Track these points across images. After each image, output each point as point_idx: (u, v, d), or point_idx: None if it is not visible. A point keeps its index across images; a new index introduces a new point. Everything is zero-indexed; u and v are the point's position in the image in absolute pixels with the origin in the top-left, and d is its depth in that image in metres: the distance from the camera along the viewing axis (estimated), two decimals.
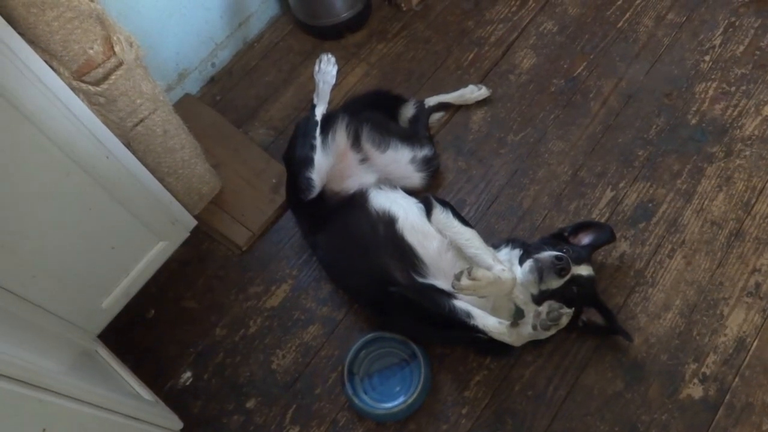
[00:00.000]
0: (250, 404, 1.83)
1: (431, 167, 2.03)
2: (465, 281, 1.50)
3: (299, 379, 1.85)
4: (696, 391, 1.70)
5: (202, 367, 1.90)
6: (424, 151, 2.01)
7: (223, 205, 2.09)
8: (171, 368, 1.90)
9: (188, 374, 1.89)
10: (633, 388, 1.72)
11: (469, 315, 1.58)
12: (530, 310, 1.58)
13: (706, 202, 1.96)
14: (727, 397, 1.68)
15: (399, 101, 2.19)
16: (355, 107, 2.08)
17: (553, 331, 1.50)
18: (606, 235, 1.82)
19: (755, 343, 1.74)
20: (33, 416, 1.12)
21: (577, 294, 1.62)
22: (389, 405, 1.73)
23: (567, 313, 1.47)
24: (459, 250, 1.72)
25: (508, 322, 1.57)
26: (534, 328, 1.50)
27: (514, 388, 1.76)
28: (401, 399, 1.73)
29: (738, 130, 2.07)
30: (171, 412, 1.70)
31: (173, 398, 1.82)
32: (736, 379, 1.70)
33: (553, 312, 1.46)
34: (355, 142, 1.92)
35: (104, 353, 1.68)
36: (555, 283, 1.58)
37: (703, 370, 1.72)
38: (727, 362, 1.72)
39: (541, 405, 1.73)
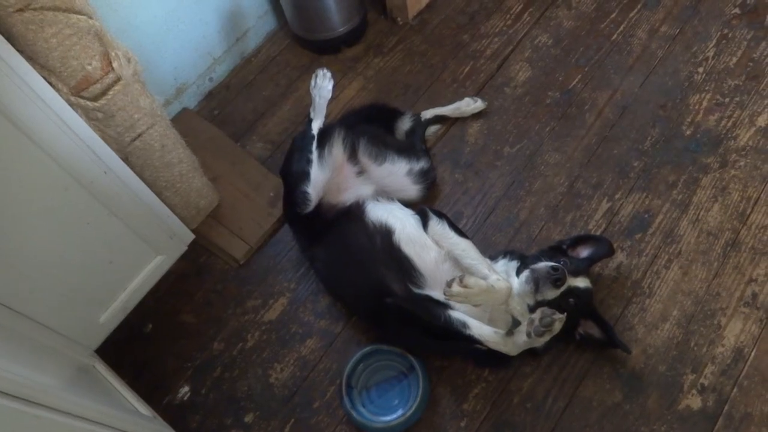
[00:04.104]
0: (249, 419, 1.82)
1: (428, 179, 2.04)
2: (456, 288, 1.51)
3: (297, 393, 1.84)
4: (695, 401, 1.70)
5: (200, 381, 1.89)
6: (421, 164, 2.02)
7: (221, 219, 2.09)
8: (169, 383, 1.89)
9: (186, 389, 1.88)
10: (632, 400, 1.72)
11: (465, 325, 1.58)
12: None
13: (701, 213, 1.97)
14: (726, 407, 1.68)
15: (395, 114, 2.21)
16: (351, 121, 2.09)
17: (547, 338, 1.51)
18: (604, 248, 1.83)
19: (753, 354, 1.74)
20: None
21: (574, 306, 1.62)
22: (388, 418, 1.72)
23: (560, 318, 1.47)
24: (456, 261, 1.72)
25: (503, 332, 1.57)
26: (528, 335, 1.51)
27: (512, 401, 1.76)
28: (400, 412, 1.72)
29: (732, 141, 2.09)
30: (169, 427, 1.69)
31: (171, 413, 1.82)
32: (735, 390, 1.70)
33: (546, 318, 1.47)
34: (352, 156, 1.93)
35: (102, 368, 1.68)
36: (551, 293, 1.58)
37: (701, 380, 1.72)
38: (726, 373, 1.72)
39: (540, 417, 1.73)
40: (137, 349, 1.94)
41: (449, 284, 1.52)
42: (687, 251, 1.91)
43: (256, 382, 1.87)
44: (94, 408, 1.34)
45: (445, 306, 1.62)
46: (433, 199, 2.09)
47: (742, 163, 2.04)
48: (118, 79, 1.51)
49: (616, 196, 2.04)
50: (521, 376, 1.78)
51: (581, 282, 1.67)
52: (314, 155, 1.83)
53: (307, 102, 2.07)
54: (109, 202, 1.59)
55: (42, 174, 1.41)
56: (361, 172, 1.93)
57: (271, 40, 2.55)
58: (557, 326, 1.48)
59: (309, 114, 1.94)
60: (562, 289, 1.59)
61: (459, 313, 1.60)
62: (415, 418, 1.72)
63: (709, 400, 1.69)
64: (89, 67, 1.44)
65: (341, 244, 1.82)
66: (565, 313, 1.50)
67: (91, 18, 1.39)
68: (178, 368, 1.91)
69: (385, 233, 1.77)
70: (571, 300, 1.62)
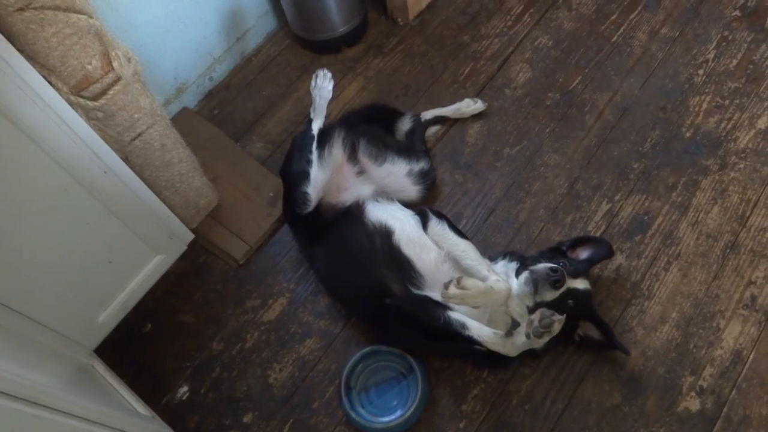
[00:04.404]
0: (247, 419, 1.82)
1: (428, 180, 2.04)
2: (453, 290, 1.51)
3: (296, 394, 1.84)
4: (693, 404, 1.70)
5: (198, 381, 1.89)
6: (421, 164, 2.02)
7: (221, 219, 2.09)
8: (168, 383, 1.89)
9: (185, 389, 1.88)
10: (630, 402, 1.72)
11: (464, 326, 1.58)
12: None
13: (701, 215, 1.97)
14: (725, 410, 1.68)
15: (395, 115, 2.21)
16: (351, 121, 2.09)
17: (546, 339, 1.51)
18: (604, 250, 1.83)
19: (751, 356, 1.74)
20: None
21: (573, 307, 1.62)
22: (386, 419, 1.72)
23: (559, 319, 1.47)
24: (455, 262, 1.72)
25: (502, 332, 1.57)
26: (527, 336, 1.51)
27: (511, 402, 1.76)
28: (398, 413, 1.72)
29: (732, 143, 2.09)
30: (167, 427, 1.69)
31: (170, 413, 1.82)
32: (733, 392, 1.70)
33: (545, 319, 1.47)
34: (352, 156, 1.93)
35: (100, 368, 1.68)
36: (550, 295, 1.58)
37: (700, 383, 1.72)
38: (724, 375, 1.72)
39: (539, 418, 1.73)
40: (136, 349, 1.94)
41: (446, 286, 1.52)
42: (686, 253, 1.91)
43: (255, 382, 1.87)
44: (92, 408, 1.34)
45: (445, 307, 1.61)
46: (432, 199, 2.09)
47: (741, 166, 2.04)
48: (118, 79, 1.51)
49: (616, 198, 2.04)
50: (520, 378, 1.78)
51: (580, 283, 1.67)
52: (314, 155, 1.83)
53: (307, 102, 2.07)
54: (109, 202, 1.59)
55: (42, 173, 1.41)
56: (360, 173, 1.93)
57: (271, 40, 2.55)
58: (556, 327, 1.48)
59: (309, 114, 1.94)
60: (562, 290, 1.59)
61: (458, 314, 1.60)
62: (414, 418, 1.72)
63: (708, 402, 1.69)
64: (89, 67, 1.44)
65: (341, 245, 1.82)
66: (564, 315, 1.50)
67: (91, 17, 1.39)
68: (177, 368, 1.91)
69: (385, 234, 1.77)
70: (570, 301, 1.62)
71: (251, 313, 1.98)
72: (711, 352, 1.76)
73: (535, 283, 1.59)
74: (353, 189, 1.91)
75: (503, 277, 1.64)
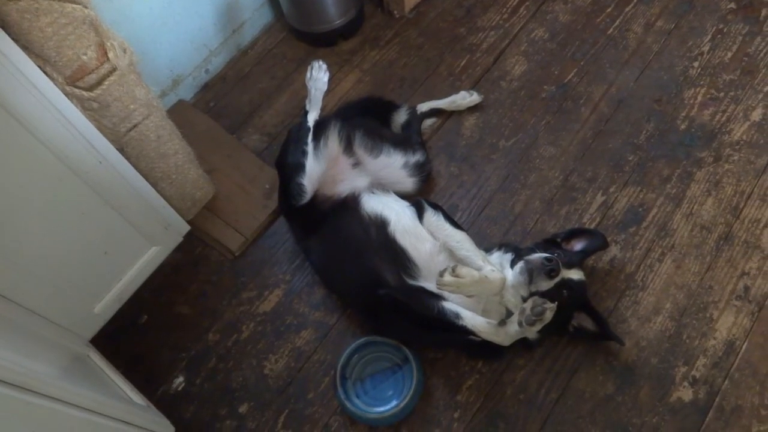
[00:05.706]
0: (243, 409, 1.83)
1: (423, 172, 2.05)
2: (448, 278, 1.52)
3: (292, 384, 1.85)
4: (686, 394, 1.71)
5: (194, 372, 1.90)
6: (417, 157, 2.03)
7: (217, 211, 2.09)
8: (163, 373, 1.90)
9: (181, 379, 1.89)
10: (624, 391, 1.73)
11: (457, 316, 1.59)
12: None
13: (695, 207, 1.98)
14: (717, 399, 1.69)
15: (391, 107, 2.21)
16: (347, 113, 2.09)
17: (538, 327, 1.52)
18: (598, 241, 1.84)
19: (744, 346, 1.75)
20: (23, 420, 1.13)
21: (567, 298, 1.63)
22: (381, 409, 1.73)
23: (550, 307, 1.48)
24: (451, 253, 1.73)
25: (496, 322, 1.58)
26: (520, 324, 1.52)
27: (505, 392, 1.77)
28: (393, 403, 1.73)
29: (726, 135, 2.10)
30: (163, 417, 1.70)
31: (166, 403, 1.83)
32: (726, 382, 1.71)
33: (537, 307, 1.48)
34: (348, 148, 1.93)
35: (96, 358, 1.68)
36: (545, 284, 1.59)
37: (693, 373, 1.73)
38: (717, 365, 1.73)
39: (533, 408, 1.74)
40: (132, 340, 1.95)
41: (441, 274, 1.53)
42: (680, 245, 1.92)
43: (250, 372, 1.88)
44: (88, 396, 1.35)
45: (439, 297, 1.62)
46: (428, 191, 2.10)
47: (735, 158, 2.05)
48: (113, 70, 1.51)
49: (611, 190, 2.04)
50: (514, 368, 1.79)
51: (575, 274, 1.68)
52: (310, 147, 1.83)
53: (303, 94, 2.07)
54: (105, 193, 1.59)
55: (37, 164, 1.42)
56: (356, 164, 1.94)
57: (267, 32, 2.55)
58: (548, 315, 1.49)
59: (305, 106, 1.94)
60: (556, 280, 1.60)
61: (452, 304, 1.61)
62: (409, 408, 1.73)
63: (701, 392, 1.71)
64: (84, 57, 1.44)
65: (336, 236, 1.83)
66: (556, 302, 1.51)
67: (86, 8, 1.39)
68: (172, 359, 1.92)
69: (381, 225, 1.78)
70: (564, 292, 1.63)
71: (247, 304, 1.99)
72: (704, 343, 1.77)
73: (530, 273, 1.59)
74: (349, 181, 1.92)
75: (498, 268, 1.64)
